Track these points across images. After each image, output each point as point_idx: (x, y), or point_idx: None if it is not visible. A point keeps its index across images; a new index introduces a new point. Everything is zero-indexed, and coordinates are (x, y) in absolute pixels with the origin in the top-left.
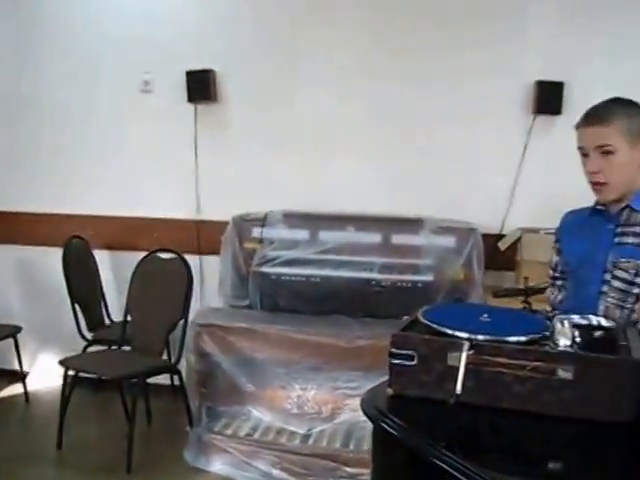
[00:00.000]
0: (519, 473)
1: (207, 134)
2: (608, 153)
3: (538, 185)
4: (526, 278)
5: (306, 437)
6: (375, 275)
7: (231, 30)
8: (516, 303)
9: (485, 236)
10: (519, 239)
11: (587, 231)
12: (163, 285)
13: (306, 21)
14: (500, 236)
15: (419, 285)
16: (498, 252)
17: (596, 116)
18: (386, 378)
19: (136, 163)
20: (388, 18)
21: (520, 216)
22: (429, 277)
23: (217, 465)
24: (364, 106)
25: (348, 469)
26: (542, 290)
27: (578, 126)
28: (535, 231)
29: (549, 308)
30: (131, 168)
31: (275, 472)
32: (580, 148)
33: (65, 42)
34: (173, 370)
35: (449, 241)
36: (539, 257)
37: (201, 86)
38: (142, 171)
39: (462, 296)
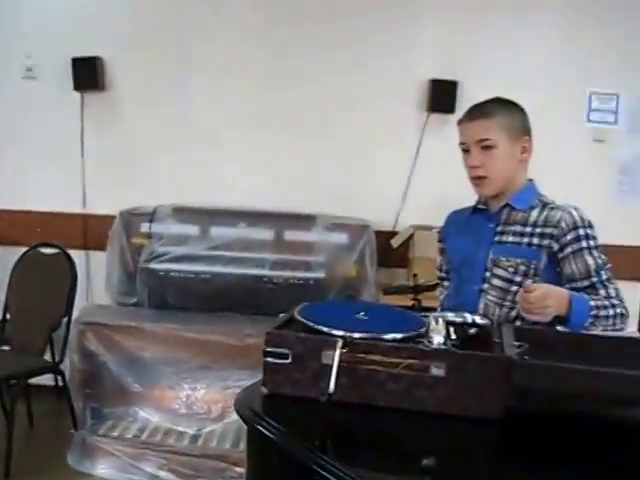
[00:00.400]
0: (393, 471)
1: (94, 124)
2: (489, 147)
3: (431, 183)
4: (415, 275)
5: (195, 437)
6: (267, 272)
7: (120, 15)
8: (407, 300)
9: (378, 233)
10: (411, 236)
11: (469, 230)
12: (45, 281)
13: (196, 9)
14: (393, 233)
15: (311, 282)
16: (391, 249)
17: (478, 111)
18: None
19: (19, 153)
20: (275, 14)
21: (413, 213)
22: (321, 274)
23: (102, 468)
24: (256, 101)
25: (238, 469)
26: (431, 287)
27: (460, 122)
28: (428, 228)
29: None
30: (14, 159)
31: (163, 474)
32: (462, 144)
33: None
34: (55, 370)
35: (342, 238)
36: (430, 254)
37: (88, 74)
38: (25, 162)
39: (354, 293)
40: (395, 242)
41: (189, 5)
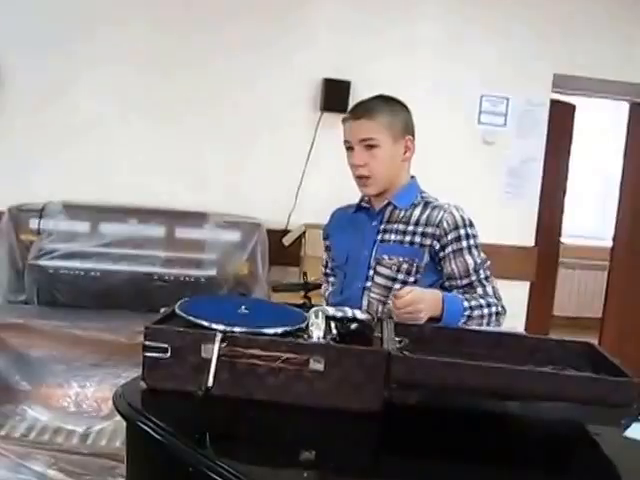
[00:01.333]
0: (272, 465)
1: None
2: (372, 147)
3: (323, 181)
4: (305, 273)
5: (85, 436)
6: (158, 269)
7: (8, 8)
8: (297, 298)
9: (270, 232)
10: (303, 235)
11: (353, 228)
12: None
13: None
14: (286, 232)
15: (202, 280)
16: (283, 248)
17: (361, 111)
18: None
19: None
20: (169, 10)
21: (305, 212)
22: (212, 272)
23: None
24: (147, 96)
25: None
26: (319, 285)
27: (345, 120)
28: (319, 227)
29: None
30: None
31: (51, 473)
32: (346, 142)
33: None
34: None
35: (234, 236)
36: (321, 253)
37: None
38: None
39: (246, 291)
40: (287, 240)
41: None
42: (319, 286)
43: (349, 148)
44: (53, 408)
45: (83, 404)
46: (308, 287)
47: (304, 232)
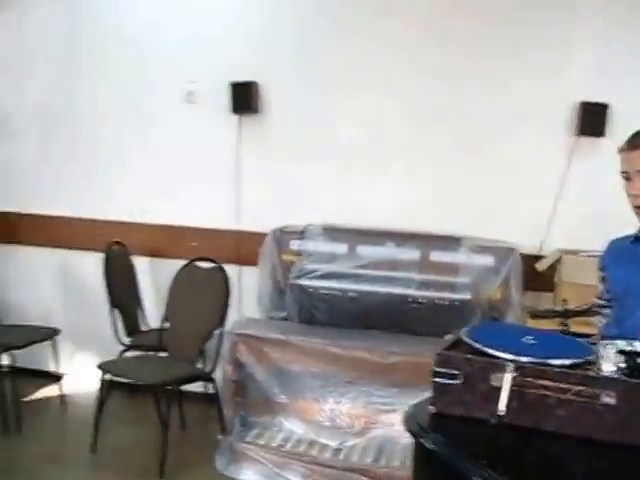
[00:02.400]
0: None
1: (249, 145)
2: None
3: (579, 207)
4: (564, 300)
5: (338, 451)
6: (412, 291)
7: (272, 43)
8: (554, 325)
9: (523, 256)
10: (558, 260)
11: (630, 259)
12: (201, 294)
13: (345, 32)
14: (538, 257)
15: (456, 303)
16: (536, 273)
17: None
18: (425, 395)
19: (178, 172)
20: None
21: (560, 237)
22: (466, 295)
23: (247, 474)
24: (404, 122)
25: None
26: (581, 313)
27: (622, 150)
28: (574, 253)
29: (593, 332)
30: (173, 177)
31: None
32: (623, 172)
33: (115, 55)
34: (208, 378)
35: (487, 260)
36: (578, 279)
37: (245, 98)
38: (184, 180)
39: (499, 316)
40: (540, 266)
41: (339, 26)
42: (580, 314)
43: (627, 178)
44: (308, 421)
45: (337, 419)
46: (568, 314)
47: (559, 258)
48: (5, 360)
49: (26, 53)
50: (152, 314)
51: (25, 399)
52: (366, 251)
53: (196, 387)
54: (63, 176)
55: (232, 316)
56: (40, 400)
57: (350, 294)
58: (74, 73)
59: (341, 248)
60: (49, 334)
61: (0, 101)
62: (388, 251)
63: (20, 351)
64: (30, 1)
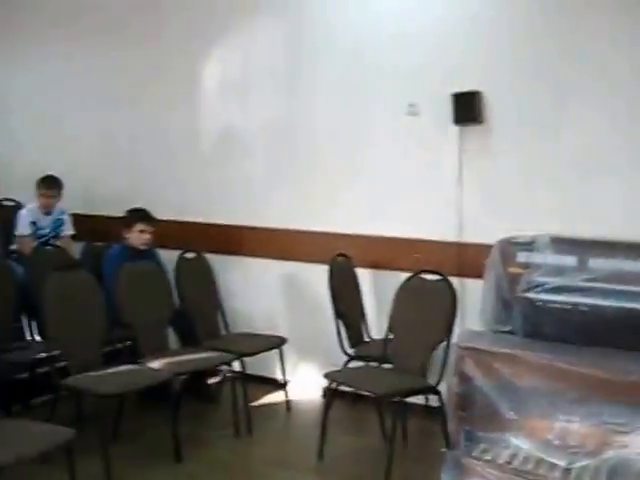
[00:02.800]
0: None
1: (471, 156)
2: None
3: None
4: None
5: (567, 471)
6: None
7: (496, 52)
8: None
9: None
10: None
11: None
12: (426, 306)
13: (574, 37)
14: None
15: None
16: None
17: None
18: None
19: (400, 184)
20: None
21: None
22: None
23: None
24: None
25: None
26: None
27: None
28: None
29: None
30: (395, 189)
31: None
32: None
33: (336, 71)
34: (434, 391)
35: None
36: None
37: (467, 108)
38: (406, 192)
39: None
40: None
41: (564, 34)
42: None
43: None
44: (537, 439)
45: (567, 438)
46: None
47: None
48: (237, 367)
49: (252, 75)
50: (373, 325)
51: (253, 404)
52: (597, 263)
53: (415, 399)
54: (293, 191)
55: (454, 329)
56: (267, 406)
57: (580, 308)
58: (302, 94)
59: (569, 260)
60: (277, 343)
61: (230, 122)
62: (620, 263)
63: (250, 358)
64: (255, 26)
